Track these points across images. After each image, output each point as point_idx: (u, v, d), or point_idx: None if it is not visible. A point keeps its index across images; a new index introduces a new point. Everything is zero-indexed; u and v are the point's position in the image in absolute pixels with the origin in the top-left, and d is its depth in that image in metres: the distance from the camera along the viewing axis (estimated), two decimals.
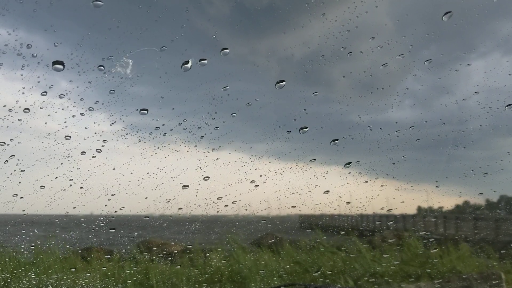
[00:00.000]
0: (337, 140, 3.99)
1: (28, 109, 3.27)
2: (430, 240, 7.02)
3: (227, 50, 3.12)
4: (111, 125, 3.62)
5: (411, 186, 4.24)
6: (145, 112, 3.34)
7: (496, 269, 6.62)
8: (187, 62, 2.98)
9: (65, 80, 3.13)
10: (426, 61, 4.21)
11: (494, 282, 5.74)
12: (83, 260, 6.62)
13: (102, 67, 3.03)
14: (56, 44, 3.44)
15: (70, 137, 3.44)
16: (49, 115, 3.20)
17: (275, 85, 3.19)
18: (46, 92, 3.40)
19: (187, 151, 3.72)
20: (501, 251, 7.71)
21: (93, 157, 3.45)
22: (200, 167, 3.78)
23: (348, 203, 3.76)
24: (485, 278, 5.92)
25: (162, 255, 7.45)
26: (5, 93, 3.27)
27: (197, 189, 3.75)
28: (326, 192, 4.32)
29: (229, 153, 3.87)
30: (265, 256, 6.81)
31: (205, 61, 3.12)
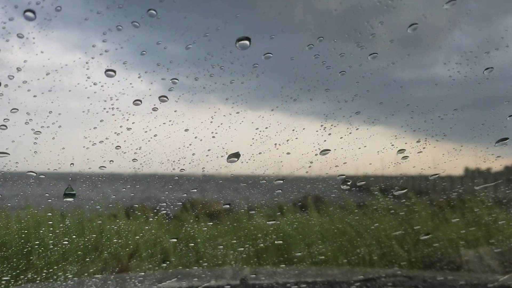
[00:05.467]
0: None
1: (67, 68, 3.16)
2: (492, 203, 6.66)
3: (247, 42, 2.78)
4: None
5: (476, 146, 3.91)
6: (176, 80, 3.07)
7: None
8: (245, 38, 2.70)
9: (103, 38, 2.97)
10: None
11: None
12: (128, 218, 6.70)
13: (136, 24, 2.82)
14: None
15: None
16: (88, 76, 3.08)
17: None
18: (86, 51, 3.26)
19: (237, 112, 3.54)
20: None
21: (152, 113, 3.28)
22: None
23: (403, 159, 3.51)
24: None
25: (207, 214, 7.47)
26: (44, 53, 3.15)
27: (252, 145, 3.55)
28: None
29: (272, 110, 3.65)
30: (310, 217, 6.67)
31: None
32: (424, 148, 3.75)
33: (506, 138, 3.09)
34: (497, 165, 4.72)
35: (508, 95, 3.70)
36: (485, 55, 3.39)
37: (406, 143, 3.70)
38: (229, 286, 2.56)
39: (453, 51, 4.06)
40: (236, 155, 3.10)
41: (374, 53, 3.14)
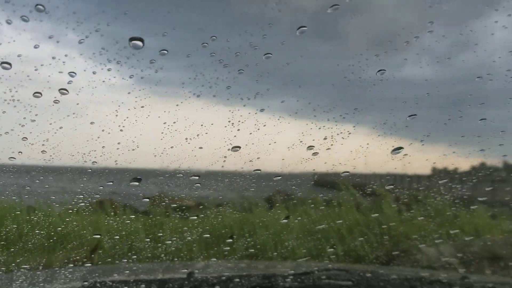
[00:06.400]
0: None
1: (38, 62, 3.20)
2: (454, 202, 6.76)
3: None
4: (130, 77, 3.45)
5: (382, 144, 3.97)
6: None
7: None
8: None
9: (76, 30, 3.03)
10: None
11: None
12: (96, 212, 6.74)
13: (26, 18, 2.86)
14: None
15: (83, 89, 3.36)
16: (60, 69, 3.12)
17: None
18: (58, 41, 3.29)
19: (142, 107, 3.60)
20: None
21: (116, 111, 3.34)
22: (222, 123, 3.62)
23: (313, 155, 3.58)
24: (506, 243, 5.71)
25: (175, 209, 7.52)
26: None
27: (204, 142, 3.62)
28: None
29: (177, 105, 3.70)
30: (277, 213, 6.73)
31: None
32: (332, 145, 3.82)
33: (401, 147, 3.18)
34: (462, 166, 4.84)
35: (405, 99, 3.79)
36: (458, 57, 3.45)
37: (313, 139, 3.77)
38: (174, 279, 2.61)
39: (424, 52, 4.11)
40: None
41: (268, 53, 3.21)
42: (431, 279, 2.22)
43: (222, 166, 4.11)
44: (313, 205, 5.56)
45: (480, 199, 8.40)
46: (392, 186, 6.70)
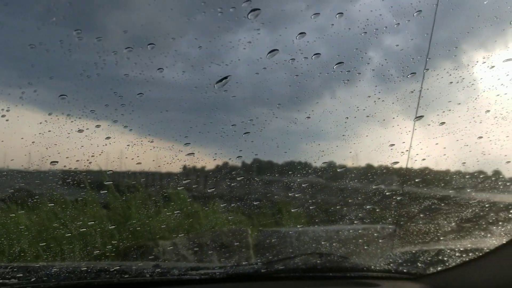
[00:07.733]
0: None
1: None
2: (196, 198, 7.36)
3: None
4: None
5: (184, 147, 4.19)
6: None
7: (244, 224, 7.34)
8: None
9: None
10: None
11: (241, 236, 6.33)
12: None
13: None
14: None
15: None
16: None
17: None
18: None
19: None
20: (249, 208, 8.50)
21: None
22: None
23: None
24: (233, 233, 6.48)
25: None
26: None
27: None
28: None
29: None
30: (14, 214, 6.06)
31: None
32: None
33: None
34: (208, 165, 5.27)
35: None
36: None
37: None
38: None
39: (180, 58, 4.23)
40: None
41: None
42: (100, 268, 2.33)
43: None
44: (54, 204, 5.33)
45: (215, 195, 9.51)
46: (145, 182, 7.02)
